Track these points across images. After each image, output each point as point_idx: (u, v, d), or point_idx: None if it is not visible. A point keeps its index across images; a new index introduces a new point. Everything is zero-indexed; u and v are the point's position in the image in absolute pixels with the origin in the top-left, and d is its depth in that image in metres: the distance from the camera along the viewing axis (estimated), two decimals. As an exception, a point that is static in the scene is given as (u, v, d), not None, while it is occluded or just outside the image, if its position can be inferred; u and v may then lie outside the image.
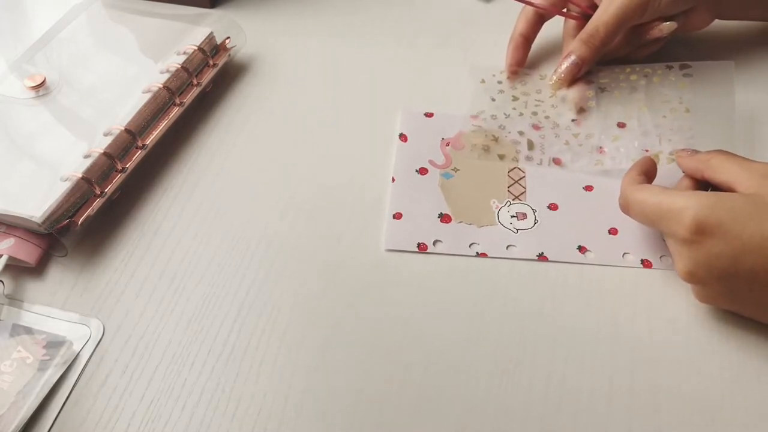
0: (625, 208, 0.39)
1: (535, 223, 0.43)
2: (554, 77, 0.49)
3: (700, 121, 0.46)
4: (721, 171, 0.37)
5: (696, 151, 0.40)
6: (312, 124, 0.50)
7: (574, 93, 0.49)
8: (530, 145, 0.47)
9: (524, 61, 0.52)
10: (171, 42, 0.51)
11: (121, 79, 0.48)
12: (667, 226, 0.36)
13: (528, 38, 0.51)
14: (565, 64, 0.49)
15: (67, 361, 0.37)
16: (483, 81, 0.51)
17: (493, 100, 0.50)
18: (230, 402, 0.36)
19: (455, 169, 0.46)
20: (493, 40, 0.55)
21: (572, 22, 0.51)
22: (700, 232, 0.34)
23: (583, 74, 0.49)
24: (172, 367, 0.37)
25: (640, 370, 0.36)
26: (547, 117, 0.49)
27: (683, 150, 0.41)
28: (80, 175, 0.42)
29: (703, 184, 0.39)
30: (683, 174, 0.40)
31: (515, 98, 0.50)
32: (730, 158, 0.38)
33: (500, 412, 0.35)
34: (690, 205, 0.35)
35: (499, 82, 0.51)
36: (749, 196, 0.35)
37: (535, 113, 0.49)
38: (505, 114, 0.49)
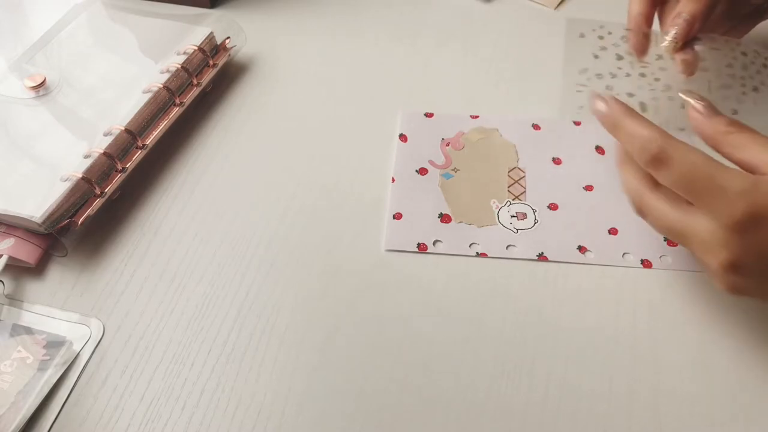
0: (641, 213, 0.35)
1: (535, 223, 0.43)
2: (667, 38, 0.44)
3: None
4: (742, 149, 0.33)
5: (715, 111, 0.34)
6: (312, 124, 0.50)
7: (684, 56, 0.44)
8: (643, 108, 0.43)
9: (648, 47, 0.46)
10: (171, 42, 0.51)
11: (121, 79, 0.48)
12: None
13: (647, 17, 0.46)
14: (678, 23, 0.43)
15: (67, 361, 0.37)
16: (582, 35, 0.46)
17: (596, 57, 0.46)
18: (230, 402, 0.36)
19: (455, 169, 0.46)
20: (493, 40, 0.55)
21: None
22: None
23: (694, 35, 0.44)
24: (172, 367, 0.37)
25: (640, 370, 0.36)
26: (657, 79, 0.44)
27: (701, 102, 0.35)
28: (80, 175, 0.42)
29: None
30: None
31: (620, 57, 0.45)
32: (755, 137, 0.33)
33: (500, 412, 0.35)
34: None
35: (600, 38, 0.46)
36: None
37: (643, 74, 0.45)
38: (611, 74, 0.45)
